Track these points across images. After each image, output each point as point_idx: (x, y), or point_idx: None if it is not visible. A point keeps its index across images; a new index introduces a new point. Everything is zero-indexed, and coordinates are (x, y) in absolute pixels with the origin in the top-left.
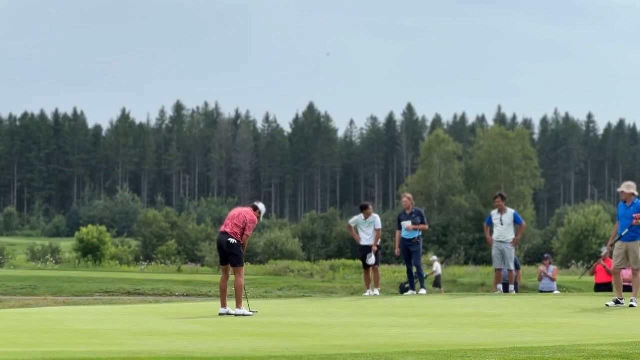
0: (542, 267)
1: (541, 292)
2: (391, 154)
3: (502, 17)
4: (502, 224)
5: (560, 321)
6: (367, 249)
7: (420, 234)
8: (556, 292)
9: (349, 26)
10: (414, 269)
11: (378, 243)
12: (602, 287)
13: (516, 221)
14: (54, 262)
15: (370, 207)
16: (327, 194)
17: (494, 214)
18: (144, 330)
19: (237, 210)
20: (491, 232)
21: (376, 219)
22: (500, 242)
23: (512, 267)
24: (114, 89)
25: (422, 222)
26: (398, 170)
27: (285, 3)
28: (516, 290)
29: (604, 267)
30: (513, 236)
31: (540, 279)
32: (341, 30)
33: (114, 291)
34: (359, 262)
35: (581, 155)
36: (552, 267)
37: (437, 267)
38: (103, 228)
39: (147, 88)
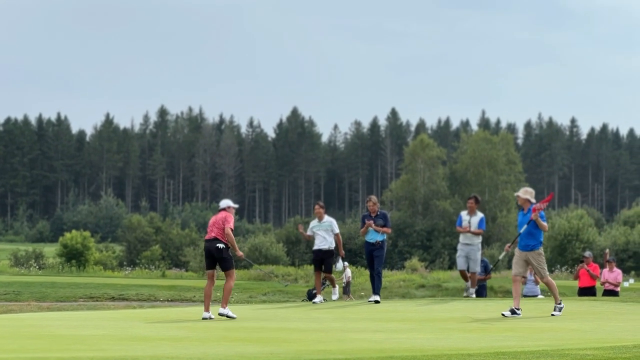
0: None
1: (525, 296)
2: (375, 159)
3: (486, 22)
4: (470, 227)
5: (544, 325)
6: (321, 253)
7: (385, 237)
8: (540, 296)
9: (333, 31)
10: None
11: (332, 247)
12: (586, 291)
13: (479, 225)
14: (37, 267)
15: (319, 206)
16: (311, 199)
17: (464, 215)
18: (128, 335)
19: (214, 219)
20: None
21: (332, 223)
22: (466, 244)
23: (477, 269)
24: (97, 94)
25: (385, 225)
26: (382, 175)
27: (270, 8)
28: (483, 294)
29: (588, 271)
30: (479, 240)
31: (524, 283)
32: (325, 35)
33: (98, 296)
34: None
35: (565, 160)
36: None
37: (348, 273)
38: (87, 233)
39: (131, 93)
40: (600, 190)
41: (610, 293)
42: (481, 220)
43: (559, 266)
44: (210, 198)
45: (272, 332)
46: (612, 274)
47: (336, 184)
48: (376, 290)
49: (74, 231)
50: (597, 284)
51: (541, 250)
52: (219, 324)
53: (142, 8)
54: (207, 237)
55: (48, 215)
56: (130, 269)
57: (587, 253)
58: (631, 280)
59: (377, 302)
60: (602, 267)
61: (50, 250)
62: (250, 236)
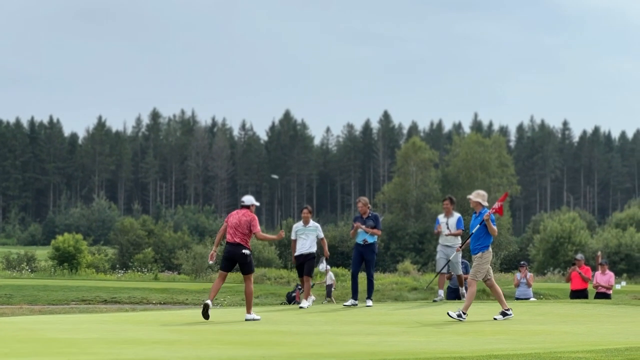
0: (517, 274)
1: (517, 299)
2: (367, 162)
3: (478, 25)
4: (448, 228)
5: (536, 328)
6: (302, 257)
7: (375, 239)
8: (532, 299)
9: (325, 33)
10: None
11: (313, 250)
12: (578, 294)
13: (457, 226)
14: (29, 270)
15: (307, 210)
16: (303, 202)
17: (441, 217)
18: (121, 338)
19: (236, 218)
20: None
21: (318, 228)
22: (446, 246)
23: (460, 271)
24: (90, 97)
25: (376, 227)
26: (374, 177)
27: (261, 11)
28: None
29: (579, 273)
30: (459, 241)
31: (516, 286)
32: (317, 38)
33: (90, 299)
34: (336, 270)
35: (557, 162)
36: (528, 274)
37: (330, 276)
38: (79, 236)
39: (123, 96)
40: (592, 192)
41: (602, 296)
42: (458, 221)
43: (551, 268)
44: (202, 201)
45: (264, 335)
46: (604, 277)
47: (328, 186)
48: (370, 294)
49: (66, 234)
50: (589, 287)
51: (486, 253)
52: (211, 327)
53: (134, 11)
54: (230, 239)
55: (40, 218)
56: (122, 272)
57: (579, 255)
58: (623, 283)
59: (368, 306)
60: (594, 269)
61: (42, 253)
62: None
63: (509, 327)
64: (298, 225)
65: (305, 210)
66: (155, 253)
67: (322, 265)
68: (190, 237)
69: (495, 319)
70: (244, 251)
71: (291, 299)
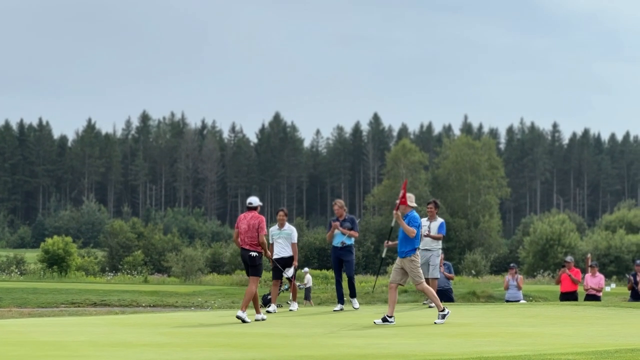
0: (507, 277)
1: (507, 301)
2: (357, 164)
3: (468, 28)
4: (429, 232)
5: (526, 330)
6: (282, 260)
7: (352, 242)
8: (522, 301)
9: (315, 36)
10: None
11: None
12: (568, 296)
13: (438, 230)
14: (18, 273)
15: (283, 212)
16: (293, 204)
17: (424, 221)
18: (111, 341)
19: (245, 223)
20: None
21: (293, 231)
22: (426, 250)
23: (437, 275)
24: (79, 99)
25: (353, 229)
26: (364, 180)
27: (252, 13)
28: (449, 299)
29: (569, 275)
30: (439, 245)
31: (506, 289)
32: (307, 40)
33: (79, 302)
34: (326, 272)
35: (547, 165)
36: (518, 276)
37: (309, 279)
38: (69, 239)
39: (113, 98)
40: (582, 195)
41: (592, 298)
42: (441, 225)
43: (541, 271)
44: (192, 203)
45: (254, 338)
46: (594, 279)
47: (318, 189)
48: (353, 294)
49: (55, 237)
50: (579, 289)
51: (413, 256)
52: (201, 330)
53: (125, 14)
54: (242, 245)
55: (29, 220)
56: (112, 274)
57: (569, 257)
58: (613, 285)
59: (355, 308)
60: (584, 271)
61: (31, 256)
62: (232, 241)
63: (499, 330)
64: (274, 228)
65: (280, 213)
66: (145, 256)
67: (290, 272)
68: (180, 239)
69: (375, 322)
70: (251, 253)
71: (267, 301)
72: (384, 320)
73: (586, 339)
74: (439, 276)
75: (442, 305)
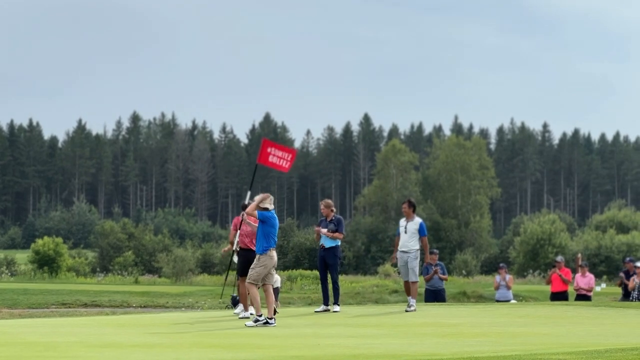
0: (497, 277)
1: (497, 301)
2: (348, 164)
3: (457, 28)
4: (405, 232)
5: (517, 330)
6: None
7: (338, 243)
8: (513, 301)
9: (305, 36)
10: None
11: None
12: (558, 296)
13: (419, 232)
14: (9, 274)
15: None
16: (284, 205)
17: (402, 222)
18: (101, 342)
19: (248, 228)
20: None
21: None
22: (403, 252)
23: (414, 278)
24: (70, 100)
25: (337, 230)
26: (355, 180)
27: (242, 15)
28: (442, 299)
29: (560, 276)
30: (417, 246)
31: (496, 289)
32: (297, 40)
33: (70, 303)
34: (317, 273)
35: (537, 165)
36: (508, 276)
37: (277, 279)
38: (59, 239)
39: (103, 99)
40: (572, 195)
41: (582, 297)
42: (421, 226)
43: (531, 271)
44: (183, 204)
45: (245, 338)
46: (584, 279)
47: (309, 189)
48: (336, 299)
49: (46, 237)
50: (570, 289)
51: (263, 256)
52: (191, 330)
53: (114, 14)
54: (248, 246)
55: (20, 221)
56: (103, 275)
57: (559, 257)
58: (603, 285)
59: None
60: (574, 271)
61: (22, 257)
62: (223, 242)
63: (490, 330)
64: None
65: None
66: (135, 256)
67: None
68: (170, 240)
69: (246, 325)
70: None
71: (236, 302)
72: (257, 321)
73: (577, 338)
74: (415, 279)
75: (260, 311)
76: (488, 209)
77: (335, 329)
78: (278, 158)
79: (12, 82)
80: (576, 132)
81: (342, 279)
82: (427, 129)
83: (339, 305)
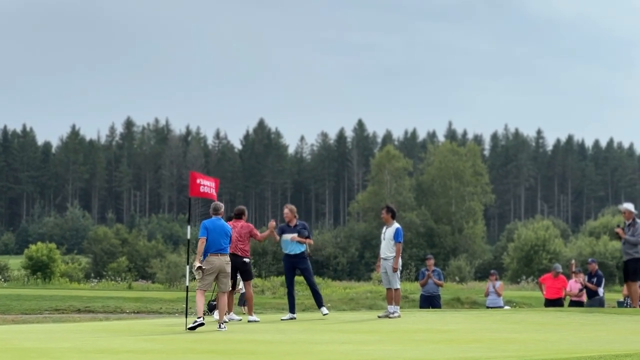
0: (488, 283)
1: (488, 307)
2: (342, 170)
3: (451, 34)
4: (384, 239)
5: (511, 336)
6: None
7: (307, 248)
8: (506, 307)
9: (299, 42)
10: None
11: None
12: (552, 303)
13: (394, 238)
14: (2, 280)
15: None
16: (277, 210)
17: (383, 228)
18: (95, 348)
19: (235, 232)
20: None
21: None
22: (383, 259)
23: (397, 285)
24: (63, 106)
25: (308, 237)
26: (349, 186)
27: (236, 21)
28: (437, 305)
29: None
30: (394, 254)
31: (486, 295)
32: (292, 47)
33: (63, 309)
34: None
35: (531, 171)
36: (498, 283)
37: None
38: (53, 245)
39: (97, 104)
40: (566, 201)
41: (576, 304)
42: (397, 232)
43: (524, 277)
44: (176, 210)
45: (238, 344)
46: (578, 284)
47: (303, 195)
48: (320, 302)
49: (39, 243)
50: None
51: (204, 263)
52: (185, 336)
53: (108, 20)
54: (233, 251)
55: (13, 227)
56: (96, 281)
57: (557, 265)
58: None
59: (325, 314)
60: (568, 277)
61: (15, 263)
62: None
63: (483, 336)
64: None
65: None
66: (129, 262)
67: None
68: (164, 246)
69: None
70: (245, 260)
71: (213, 307)
72: (200, 325)
73: (570, 344)
74: (397, 286)
75: (200, 314)
76: (482, 215)
77: (329, 335)
78: (208, 187)
79: (5, 88)
80: (570, 139)
81: (336, 285)
82: (421, 135)
83: (324, 306)
